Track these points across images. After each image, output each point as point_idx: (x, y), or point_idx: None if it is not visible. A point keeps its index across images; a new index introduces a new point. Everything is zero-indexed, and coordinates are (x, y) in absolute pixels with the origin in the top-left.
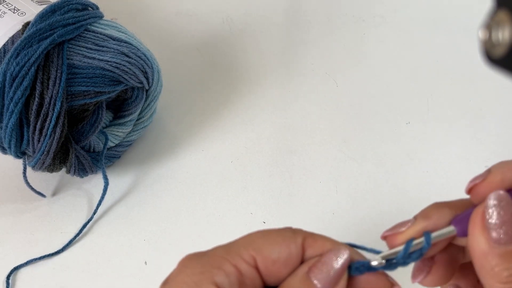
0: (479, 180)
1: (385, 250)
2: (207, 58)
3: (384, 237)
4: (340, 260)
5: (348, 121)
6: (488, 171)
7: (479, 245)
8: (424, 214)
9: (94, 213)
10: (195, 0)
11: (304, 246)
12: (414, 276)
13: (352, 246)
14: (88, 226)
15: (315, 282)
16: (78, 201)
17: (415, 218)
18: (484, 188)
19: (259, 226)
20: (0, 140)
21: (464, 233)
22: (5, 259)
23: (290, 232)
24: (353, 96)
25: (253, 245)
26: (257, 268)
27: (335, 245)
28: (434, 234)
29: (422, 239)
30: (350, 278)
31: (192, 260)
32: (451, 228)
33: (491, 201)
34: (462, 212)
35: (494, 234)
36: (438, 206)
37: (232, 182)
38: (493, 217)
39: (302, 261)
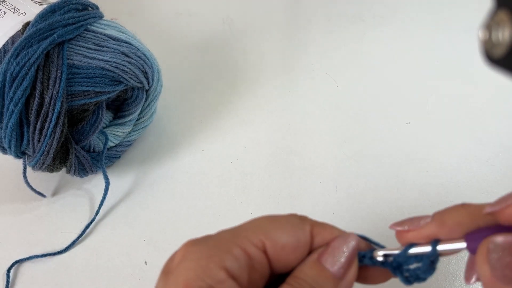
0: (501, 207)
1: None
2: (207, 58)
3: (395, 229)
4: (350, 244)
5: (348, 121)
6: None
7: (485, 275)
8: (441, 218)
9: (97, 213)
10: (195, 0)
11: (312, 234)
12: (466, 277)
13: (359, 236)
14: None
15: (327, 266)
16: (78, 201)
17: (433, 217)
18: (507, 214)
19: None
20: (0, 140)
21: (474, 252)
22: (5, 259)
23: (297, 219)
24: (353, 96)
25: (262, 229)
26: (266, 253)
27: (342, 232)
28: (441, 247)
29: (429, 247)
30: (360, 268)
31: (197, 245)
32: (462, 244)
33: (493, 245)
34: (479, 230)
35: (497, 273)
36: (459, 211)
37: (232, 182)
38: (496, 260)
39: (310, 250)
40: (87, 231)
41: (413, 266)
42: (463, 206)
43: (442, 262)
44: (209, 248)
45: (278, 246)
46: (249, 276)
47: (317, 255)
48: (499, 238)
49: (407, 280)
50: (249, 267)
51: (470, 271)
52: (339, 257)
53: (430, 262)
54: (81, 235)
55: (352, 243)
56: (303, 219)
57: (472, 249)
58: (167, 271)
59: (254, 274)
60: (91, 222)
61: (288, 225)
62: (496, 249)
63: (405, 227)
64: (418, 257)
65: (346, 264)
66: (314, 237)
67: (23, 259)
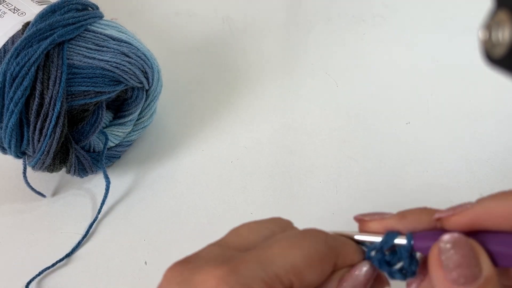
0: (448, 214)
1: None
2: (207, 58)
3: (357, 220)
4: (362, 272)
5: (348, 121)
6: (463, 206)
7: (438, 280)
8: (403, 213)
9: (99, 212)
10: (195, 0)
11: (336, 265)
12: (408, 284)
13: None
14: (87, 226)
15: None
16: (78, 201)
17: (397, 213)
18: (452, 222)
19: None
20: (0, 140)
21: (422, 251)
22: (5, 259)
23: (325, 247)
24: (353, 96)
25: (295, 269)
26: None
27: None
28: (398, 240)
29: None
30: None
31: (228, 282)
32: (403, 241)
33: (443, 244)
34: (429, 232)
35: (451, 276)
36: (421, 211)
37: (232, 182)
38: (447, 259)
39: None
40: (85, 231)
41: (398, 265)
42: (426, 208)
43: None
44: (241, 285)
45: (304, 284)
46: None
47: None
48: (446, 236)
49: (401, 274)
50: None
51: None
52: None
53: (410, 255)
54: (85, 235)
55: (363, 272)
56: (330, 248)
57: (419, 248)
58: None
59: None
60: (93, 222)
61: (317, 258)
62: (446, 249)
63: (368, 218)
64: (398, 254)
65: None
66: (337, 265)
67: (35, 277)
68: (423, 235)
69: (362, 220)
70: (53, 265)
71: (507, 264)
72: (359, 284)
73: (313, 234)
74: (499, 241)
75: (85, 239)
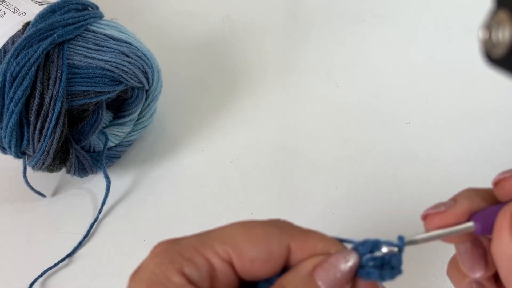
0: (509, 174)
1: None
2: (207, 58)
3: (425, 217)
4: (349, 263)
5: (348, 121)
6: None
7: (507, 249)
8: (464, 195)
9: (100, 212)
10: (195, 0)
11: (290, 248)
12: (471, 268)
13: (341, 240)
14: (87, 226)
15: (319, 283)
16: (78, 201)
17: (454, 200)
18: None
19: None
20: (0, 140)
21: (484, 231)
22: (4, 259)
23: (276, 229)
24: (353, 96)
25: (231, 240)
26: (232, 265)
27: (327, 245)
28: (448, 230)
29: (469, 224)
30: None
31: (163, 249)
32: (470, 224)
33: None
34: (484, 209)
35: None
36: (472, 192)
37: (232, 182)
38: None
39: (285, 263)
40: (86, 231)
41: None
42: (470, 189)
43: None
44: (172, 254)
45: (246, 259)
46: (212, 285)
47: (312, 267)
48: None
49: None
50: (211, 276)
51: (473, 261)
52: (334, 275)
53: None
54: (86, 235)
55: (352, 261)
56: (282, 229)
57: (481, 229)
58: (136, 270)
59: (218, 283)
60: (94, 222)
61: (263, 235)
62: None
63: (440, 209)
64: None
65: (340, 284)
66: (292, 251)
67: (38, 277)
68: (484, 215)
69: (430, 216)
70: (55, 265)
71: None
72: (342, 276)
73: (267, 220)
74: None
75: (85, 239)
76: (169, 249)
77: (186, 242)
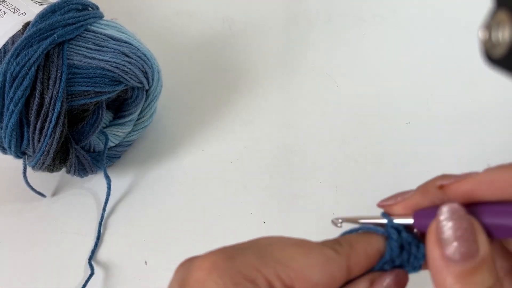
0: (450, 181)
1: None
2: (207, 58)
3: (381, 206)
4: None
5: (348, 121)
6: (468, 174)
7: (434, 259)
8: (424, 186)
9: (104, 211)
10: (195, 0)
11: (349, 267)
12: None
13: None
14: (87, 226)
15: None
16: (79, 201)
17: (418, 188)
18: (453, 190)
19: (259, 226)
20: (0, 140)
21: (421, 228)
22: (4, 259)
23: (332, 252)
24: (353, 96)
25: (293, 264)
26: None
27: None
28: (394, 221)
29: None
30: None
31: (219, 267)
32: (410, 220)
33: (443, 215)
34: (428, 208)
35: (448, 251)
36: (443, 179)
37: (232, 182)
38: (446, 232)
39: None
40: (86, 231)
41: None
42: (444, 176)
43: None
44: (234, 273)
45: (309, 285)
46: None
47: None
48: (445, 208)
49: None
50: None
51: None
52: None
53: (417, 244)
54: (98, 237)
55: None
56: (338, 252)
57: (420, 227)
58: (183, 283)
59: None
60: (101, 222)
61: (323, 260)
62: (444, 219)
63: (392, 201)
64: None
65: None
66: (351, 269)
67: None
68: (424, 213)
69: (386, 206)
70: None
71: (503, 235)
72: None
73: (315, 242)
74: (496, 211)
75: (88, 239)
76: (227, 267)
77: (245, 260)
